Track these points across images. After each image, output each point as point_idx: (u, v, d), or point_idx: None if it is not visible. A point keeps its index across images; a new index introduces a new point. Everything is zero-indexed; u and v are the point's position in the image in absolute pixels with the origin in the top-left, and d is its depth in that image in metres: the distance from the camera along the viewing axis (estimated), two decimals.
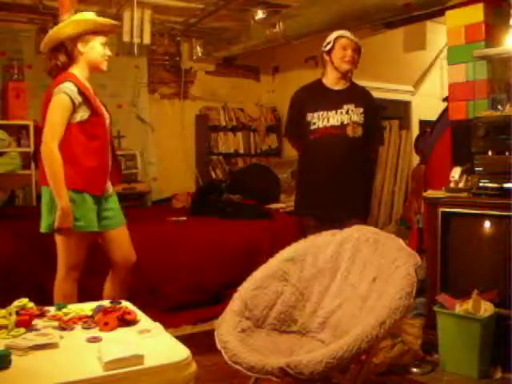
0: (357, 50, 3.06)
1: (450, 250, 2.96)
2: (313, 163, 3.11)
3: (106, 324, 1.75)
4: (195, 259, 3.77)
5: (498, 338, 2.66)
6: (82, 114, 2.51)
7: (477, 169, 2.94)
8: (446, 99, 3.72)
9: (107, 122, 2.66)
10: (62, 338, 1.65)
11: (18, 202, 4.88)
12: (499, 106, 3.05)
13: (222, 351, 1.92)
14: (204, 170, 6.06)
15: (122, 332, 1.74)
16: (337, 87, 3.11)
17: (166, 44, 5.87)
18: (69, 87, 2.47)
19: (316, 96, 3.11)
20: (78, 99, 2.49)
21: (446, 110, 3.69)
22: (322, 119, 3.03)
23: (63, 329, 1.74)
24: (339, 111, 3.03)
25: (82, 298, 2.43)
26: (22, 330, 1.68)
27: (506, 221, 2.71)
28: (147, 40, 4.90)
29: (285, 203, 4.90)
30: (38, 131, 2.55)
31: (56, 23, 4.50)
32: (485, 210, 2.81)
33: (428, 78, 6.16)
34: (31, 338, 1.59)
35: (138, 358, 1.44)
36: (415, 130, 5.92)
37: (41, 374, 1.39)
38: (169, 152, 5.87)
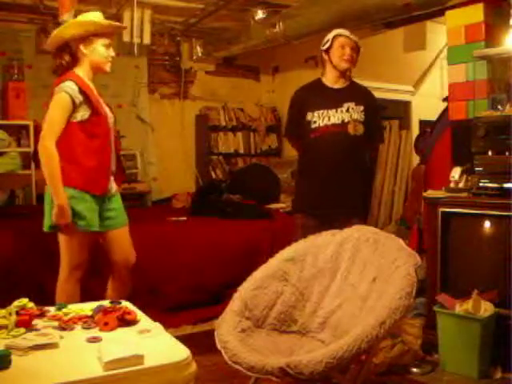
0: (355, 48, 3.05)
1: (449, 249, 2.96)
2: (313, 162, 3.10)
3: (105, 324, 1.75)
4: (195, 259, 3.77)
5: (498, 338, 2.66)
6: (83, 114, 2.52)
7: (477, 169, 2.94)
8: (445, 99, 3.72)
9: (110, 122, 2.66)
10: (61, 337, 1.65)
11: (18, 201, 4.88)
12: (499, 106, 3.05)
13: (222, 351, 1.92)
14: (204, 170, 6.06)
15: (122, 332, 1.74)
16: (336, 86, 3.11)
17: (166, 44, 5.87)
18: (69, 86, 2.48)
19: (316, 95, 3.10)
20: (79, 98, 2.50)
21: (445, 110, 3.69)
22: (323, 118, 3.02)
23: (63, 329, 1.74)
24: (340, 109, 3.02)
25: (84, 299, 2.44)
26: (22, 330, 1.68)
27: (506, 221, 2.71)
28: (147, 40, 4.90)
29: (285, 203, 4.90)
30: (39, 131, 2.56)
31: (56, 23, 4.52)
32: (485, 209, 2.81)
33: (428, 78, 6.16)
34: (31, 338, 1.59)
35: (138, 358, 1.44)
36: (415, 130, 5.91)
37: (41, 374, 1.39)
38: (169, 152, 5.88)
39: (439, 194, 3.06)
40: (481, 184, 2.89)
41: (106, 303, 1.99)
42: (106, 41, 2.58)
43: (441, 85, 5.86)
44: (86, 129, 2.53)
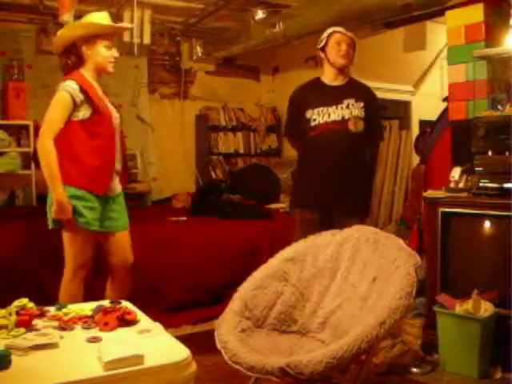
0: (351, 44, 3.04)
1: (450, 249, 2.96)
2: (313, 160, 3.08)
3: (106, 324, 1.75)
4: (195, 259, 3.77)
5: (498, 338, 2.66)
6: (84, 113, 2.53)
7: (477, 169, 2.94)
8: (445, 99, 3.72)
9: (115, 121, 2.66)
10: (62, 337, 1.65)
11: (18, 202, 4.88)
12: (499, 106, 3.05)
13: (222, 351, 1.92)
14: (204, 170, 6.06)
15: (122, 332, 1.74)
16: (335, 83, 3.09)
17: (166, 44, 5.87)
18: (70, 85, 2.50)
19: (315, 93, 3.09)
20: (80, 97, 2.51)
21: (446, 110, 3.69)
22: (323, 115, 3.01)
23: (63, 329, 1.74)
24: (339, 106, 3.00)
25: (87, 298, 2.45)
26: (22, 330, 1.68)
27: (506, 221, 2.71)
28: (147, 40, 4.90)
29: (285, 203, 4.89)
30: (39, 131, 2.57)
31: (56, 23, 4.53)
32: (485, 210, 2.81)
33: (428, 78, 6.16)
34: (31, 338, 1.59)
35: (138, 358, 1.44)
36: (415, 130, 5.91)
37: (41, 374, 1.39)
38: (169, 152, 5.88)
39: (439, 193, 3.06)
40: (481, 184, 2.88)
41: (106, 303, 1.99)
42: (107, 42, 2.59)
43: (441, 85, 5.86)
44: (88, 128, 2.54)
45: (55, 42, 2.63)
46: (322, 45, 3.08)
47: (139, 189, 5.39)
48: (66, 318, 1.82)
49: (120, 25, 2.64)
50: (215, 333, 2.03)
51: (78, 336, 1.69)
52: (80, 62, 2.60)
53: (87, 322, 1.80)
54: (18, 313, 1.77)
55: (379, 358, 2.69)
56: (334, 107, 3.00)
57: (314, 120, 3.02)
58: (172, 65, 5.96)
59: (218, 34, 5.57)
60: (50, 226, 2.56)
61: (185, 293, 3.63)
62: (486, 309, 2.66)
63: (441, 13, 3.57)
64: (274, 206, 4.90)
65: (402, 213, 5.32)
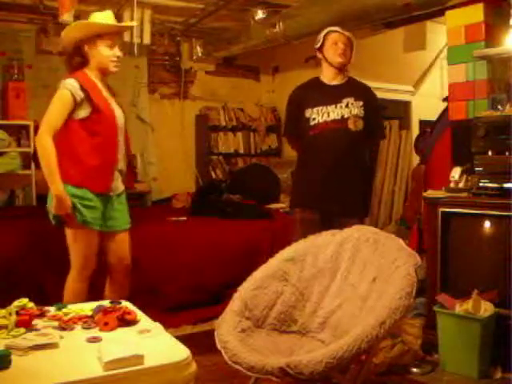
0: (349, 44, 3.03)
1: (450, 250, 2.96)
2: (313, 159, 3.07)
3: (106, 324, 1.75)
4: (195, 259, 3.77)
5: (498, 338, 2.66)
6: (85, 111, 2.55)
7: (477, 169, 2.94)
8: (445, 99, 3.72)
9: (118, 121, 2.67)
10: (62, 337, 1.65)
11: (18, 202, 4.88)
12: (499, 106, 3.04)
13: (222, 351, 1.92)
14: (204, 170, 6.06)
15: (122, 332, 1.74)
16: (334, 82, 3.08)
17: (166, 44, 5.87)
18: (71, 83, 2.52)
19: (314, 92, 3.08)
20: (80, 95, 2.52)
21: (446, 110, 3.69)
22: (322, 114, 3.00)
23: (63, 329, 1.74)
24: (339, 105, 3.00)
25: (91, 297, 2.45)
26: (22, 330, 1.68)
27: (506, 221, 2.71)
28: (147, 40, 4.90)
29: (285, 203, 4.89)
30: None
31: (56, 23, 4.53)
32: (485, 210, 2.81)
33: (428, 78, 6.16)
34: (31, 338, 1.59)
35: (138, 358, 1.44)
36: (415, 130, 5.91)
37: (41, 374, 1.39)
38: (169, 152, 5.88)
39: (439, 193, 3.06)
40: (481, 184, 2.88)
41: (106, 303, 1.99)
42: (109, 41, 2.59)
43: (441, 85, 5.86)
44: (88, 126, 2.55)
45: (60, 42, 2.68)
46: (319, 45, 3.08)
47: (139, 189, 5.39)
48: (65, 318, 1.82)
49: (121, 24, 2.64)
50: (215, 333, 2.03)
51: (78, 336, 1.69)
52: (84, 61, 2.62)
53: (87, 321, 1.80)
54: (18, 313, 1.77)
55: (379, 358, 2.69)
56: (334, 106, 3.00)
57: (314, 119, 3.01)
58: (172, 65, 5.96)
59: (218, 34, 5.57)
60: (53, 221, 2.58)
61: (185, 293, 3.63)
62: (486, 309, 2.66)
63: (441, 13, 3.57)
64: (273, 206, 4.90)
65: (402, 213, 5.32)
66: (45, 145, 2.47)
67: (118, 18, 4.49)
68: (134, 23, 3.90)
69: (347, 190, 3.01)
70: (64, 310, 1.91)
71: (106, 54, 2.60)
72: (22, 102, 4.76)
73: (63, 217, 2.51)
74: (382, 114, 3.76)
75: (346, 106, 3.00)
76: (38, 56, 5.01)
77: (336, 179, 2.99)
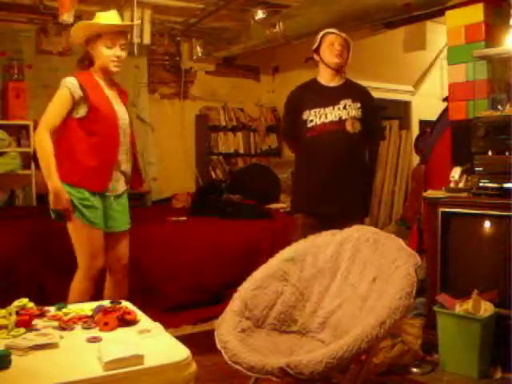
0: (345, 45, 3.03)
1: (450, 250, 2.96)
2: (311, 162, 3.06)
3: (106, 324, 1.75)
4: (195, 259, 3.77)
5: (498, 338, 2.66)
6: (83, 110, 2.56)
7: (477, 169, 2.94)
8: (445, 99, 3.72)
9: (120, 122, 2.67)
10: (62, 337, 1.65)
11: (18, 202, 4.88)
12: (499, 106, 3.05)
13: (222, 351, 1.92)
14: (204, 170, 6.06)
15: (122, 332, 1.74)
16: (332, 84, 3.08)
17: (166, 44, 5.87)
18: (70, 81, 2.55)
19: (312, 94, 3.08)
20: (78, 93, 2.54)
21: (446, 110, 3.69)
22: (319, 116, 2.99)
23: (63, 329, 1.74)
24: (336, 107, 2.99)
25: (95, 297, 2.45)
26: (22, 330, 1.68)
27: (506, 221, 2.71)
28: (147, 40, 4.90)
29: (285, 203, 4.90)
30: None
31: (56, 23, 4.53)
32: (485, 210, 2.81)
33: (428, 78, 6.16)
34: (31, 338, 1.59)
35: (138, 358, 1.44)
36: (415, 130, 5.92)
37: (41, 374, 1.39)
38: (169, 152, 5.88)
39: (439, 193, 3.06)
40: (481, 184, 2.88)
41: (106, 303, 1.99)
42: (108, 41, 2.60)
43: (441, 85, 5.87)
44: (85, 125, 2.57)
45: (70, 40, 2.77)
46: (315, 46, 3.08)
47: (139, 189, 5.39)
48: (66, 318, 1.82)
49: (118, 23, 2.63)
50: (215, 333, 2.03)
51: (78, 336, 1.69)
52: (90, 61, 2.65)
53: (87, 321, 1.80)
54: (18, 313, 1.77)
55: (379, 358, 2.69)
56: (331, 108, 3.00)
57: (311, 121, 3.01)
58: (172, 65, 5.96)
59: (218, 33, 5.57)
60: (53, 216, 2.59)
61: (185, 293, 3.63)
62: (486, 309, 2.66)
63: (441, 13, 3.57)
64: (273, 206, 4.90)
65: (402, 213, 5.32)
66: (42, 141, 2.50)
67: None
68: (135, 22, 3.89)
69: (347, 191, 3.00)
70: (64, 310, 1.91)
71: (105, 53, 2.60)
72: (22, 102, 4.76)
73: (61, 211, 2.53)
74: (381, 115, 3.76)
75: (344, 107, 3.00)
76: (38, 56, 5.01)
77: (335, 181, 2.99)
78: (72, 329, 1.75)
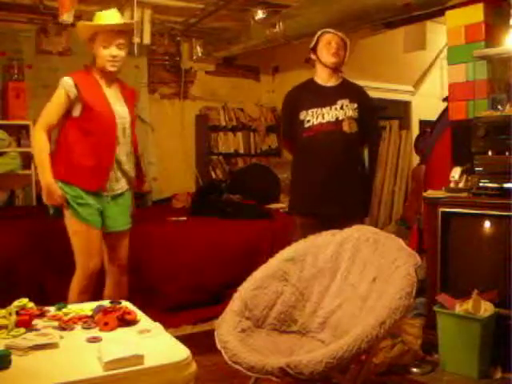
0: (342, 44, 3.03)
1: (450, 250, 2.96)
2: (309, 162, 3.05)
3: (106, 324, 1.75)
4: (195, 259, 3.77)
5: (498, 338, 2.66)
6: (79, 109, 2.58)
7: (477, 169, 2.94)
8: (445, 99, 3.72)
9: (119, 121, 2.67)
10: (62, 337, 1.65)
11: (18, 202, 4.88)
12: (499, 106, 3.05)
13: (222, 351, 1.92)
14: (204, 170, 6.06)
15: (122, 332, 1.74)
16: (329, 84, 3.08)
17: (166, 44, 5.87)
18: (66, 81, 2.58)
19: (309, 94, 3.07)
20: (73, 92, 2.56)
21: (446, 110, 3.69)
22: (316, 116, 2.99)
23: (63, 329, 1.74)
24: (333, 107, 2.99)
25: (95, 298, 2.45)
26: (22, 330, 1.68)
27: (506, 221, 2.71)
28: (147, 40, 4.90)
29: (285, 203, 4.88)
30: None
31: (56, 23, 4.53)
32: (485, 210, 2.81)
33: (428, 78, 6.16)
34: (31, 338, 1.59)
35: (138, 358, 1.44)
36: (415, 130, 5.92)
37: (41, 374, 1.39)
38: (169, 152, 5.87)
39: (439, 193, 3.06)
40: (481, 184, 2.89)
41: (106, 303, 1.99)
42: (103, 41, 2.60)
43: (441, 85, 5.87)
44: (81, 125, 2.59)
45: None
46: (312, 45, 3.08)
47: (141, 189, 5.38)
48: (65, 318, 1.82)
49: (112, 23, 2.62)
50: (215, 333, 2.03)
51: (78, 336, 1.69)
52: (94, 61, 2.68)
53: (87, 321, 1.80)
54: (18, 313, 1.77)
55: (379, 358, 2.69)
56: (328, 108, 2.99)
57: (308, 121, 3.00)
58: (172, 65, 5.95)
59: (218, 33, 5.57)
60: (50, 212, 2.63)
61: (185, 293, 3.63)
62: (486, 309, 2.66)
63: (441, 13, 3.57)
64: (274, 206, 4.90)
65: (402, 213, 5.33)
66: (37, 138, 2.57)
67: None
68: (129, 21, 3.88)
69: (346, 191, 3.00)
70: (64, 310, 1.91)
71: (102, 53, 2.62)
72: (22, 101, 4.76)
73: (57, 207, 2.56)
74: (378, 115, 3.76)
75: (341, 107, 3.00)
76: (38, 56, 5.01)
77: (334, 181, 2.99)
78: (72, 329, 1.75)
